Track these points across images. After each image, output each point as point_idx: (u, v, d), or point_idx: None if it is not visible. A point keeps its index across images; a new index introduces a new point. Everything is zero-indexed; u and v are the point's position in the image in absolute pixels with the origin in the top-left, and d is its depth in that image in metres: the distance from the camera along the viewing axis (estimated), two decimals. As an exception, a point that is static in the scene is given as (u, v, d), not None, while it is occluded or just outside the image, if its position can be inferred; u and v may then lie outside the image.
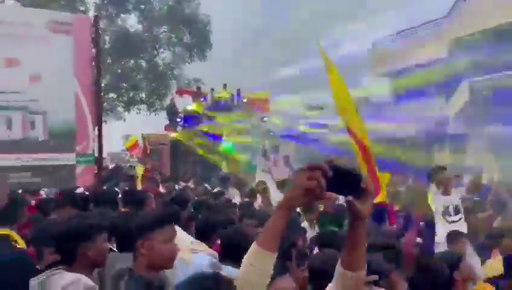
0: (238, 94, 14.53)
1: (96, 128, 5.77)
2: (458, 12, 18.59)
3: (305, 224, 4.41)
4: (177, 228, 2.39)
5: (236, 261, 2.75)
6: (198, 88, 16.27)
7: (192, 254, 3.10)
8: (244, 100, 14.46)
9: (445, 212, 4.75)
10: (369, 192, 1.25)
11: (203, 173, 12.00)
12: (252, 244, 1.28)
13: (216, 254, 3.24)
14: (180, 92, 16.26)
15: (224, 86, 14.86)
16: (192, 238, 3.41)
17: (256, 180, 7.92)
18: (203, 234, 3.39)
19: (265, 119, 14.28)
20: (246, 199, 6.70)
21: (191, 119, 13.70)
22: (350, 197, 1.24)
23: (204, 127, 12.83)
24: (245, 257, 1.29)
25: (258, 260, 1.26)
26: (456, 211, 4.77)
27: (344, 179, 1.21)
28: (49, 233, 2.29)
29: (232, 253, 2.85)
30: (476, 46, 16.87)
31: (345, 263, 1.34)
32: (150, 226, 2.01)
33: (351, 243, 1.33)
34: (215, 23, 19.22)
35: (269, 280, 1.28)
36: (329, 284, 1.43)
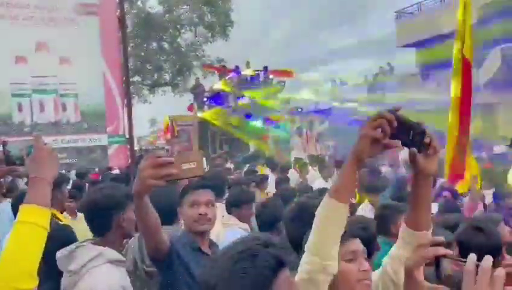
0: (265, 71, 14.35)
1: (126, 109, 5.80)
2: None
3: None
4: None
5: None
6: (223, 66, 16.16)
7: (224, 228, 3.13)
8: (270, 76, 14.30)
9: None
10: (433, 148, 1.22)
11: (231, 152, 12.02)
12: (324, 197, 1.28)
13: (247, 226, 3.27)
14: (208, 67, 16.17)
15: (248, 63, 14.70)
16: (224, 213, 3.45)
17: (293, 157, 7.93)
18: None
19: (293, 95, 14.16)
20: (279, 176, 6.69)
21: (218, 98, 13.66)
22: (414, 150, 1.21)
23: (233, 104, 12.79)
24: (317, 209, 1.29)
25: (331, 211, 1.26)
26: None
27: (407, 131, 1.19)
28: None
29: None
30: (508, 10, 16.09)
31: (409, 221, 1.34)
32: (180, 194, 2.18)
33: (415, 201, 1.32)
34: (237, 1, 18.96)
35: (343, 231, 1.27)
36: (395, 245, 1.42)
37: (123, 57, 5.82)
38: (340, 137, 12.50)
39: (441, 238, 1.30)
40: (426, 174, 1.26)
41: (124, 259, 2.13)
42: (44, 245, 1.31)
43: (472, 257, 1.17)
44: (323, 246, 1.28)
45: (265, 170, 7.67)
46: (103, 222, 2.01)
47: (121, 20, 5.69)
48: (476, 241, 1.90)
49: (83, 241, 2.00)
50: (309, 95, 14.30)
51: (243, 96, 13.10)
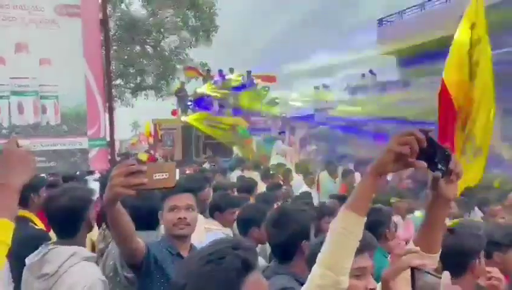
0: (249, 76, 14.40)
1: (107, 112, 5.71)
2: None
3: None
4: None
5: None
6: (208, 70, 16.15)
7: (207, 233, 3.11)
8: (255, 81, 14.36)
9: None
10: (457, 174, 1.20)
11: (215, 156, 11.98)
12: (341, 209, 1.23)
13: (230, 230, 3.27)
14: (189, 70, 16.11)
15: (231, 69, 14.72)
16: (206, 219, 3.45)
17: (271, 163, 7.88)
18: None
19: (277, 100, 14.21)
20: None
21: (202, 101, 13.63)
22: (438, 173, 1.19)
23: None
24: (331, 224, 1.23)
25: (349, 223, 1.20)
26: None
27: (434, 154, 1.16)
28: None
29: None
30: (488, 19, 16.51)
31: (420, 242, 1.31)
32: (161, 198, 2.21)
33: (429, 224, 1.30)
34: (220, 6, 18.98)
35: (358, 244, 1.23)
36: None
37: (105, 60, 5.73)
38: (324, 142, 12.58)
39: (416, 249, 1.31)
40: (445, 199, 1.25)
41: (95, 255, 2.18)
42: (4, 260, 1.21)
43: (447, 273, 1.19)
44: (338, 260, 1.22)
45: (252, 175, 7.64)
46: (74, 225, 2.02)
47: (104, 23, 5.62)
48: (448, 243, 1.93)
49: (50, 244, 1.99)
50: (293, 100, 14.39)
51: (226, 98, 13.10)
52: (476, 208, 4.79)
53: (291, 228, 2.06)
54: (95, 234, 3.04)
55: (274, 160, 9.37)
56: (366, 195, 1.22)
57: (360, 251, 1.40)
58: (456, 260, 1.87)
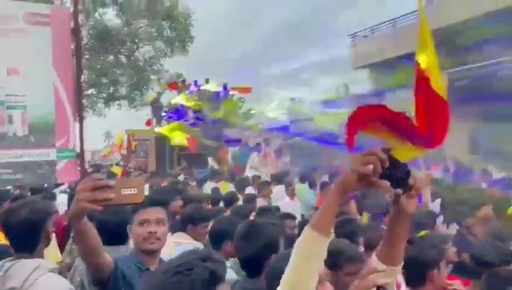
0: (225, 88, 14.40)
1: (78, 123, 5.58)
2: (435, 4, 18.87)
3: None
4: None
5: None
6: (183, 81, 16.07)
7: (176, 247, 3.07)
8: (231, 93, 14.37)
9: None
10: (416, 189, 1.23)
11: (189, 168, 11.87)
12: (305, 229, 1.23)
13: (200, 244, 3.24)
14: (172, 87, 15.97)
15: (207, 80, 14.69)
16: (177, 233, 3.42)
17: (246, 175, 7.85)
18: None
19: (252, 112, 14.23)
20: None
21: (177, 112, 13.51)
22: (400, 191, 1.22)
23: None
24: (297, 243, 1.23)
25: (314, 245, 1.20)
26: None
27: (395, 171, 1.19)
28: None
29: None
30: (454, 36, 17.20)
31: (383, 256, 1.34)
32: (131, 212, 2.17)
33: (392, 238, 1.33)
34: (196, 17, 18.99)
35: (323, 265, 1.22)
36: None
37: (76, 69, 5.62)
38: (298, 154, 12.67)
39: (383, 266, 1.33)
40: (406, 214, 1.27)
41: (57, 266, 2.14)
42: None
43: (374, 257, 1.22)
44: (302, 281, 1.20)
45: (228, 187, 7.58)
46: (33, 238, 1.99)
47: (75, 32, 5.52)
48: (408, 254, 1.97)
49: (11, 259, 1.94)
50: (269, 111, 14.45)
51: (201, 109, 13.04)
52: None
53: (260, 241, 2.05)
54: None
55: (249, 172, 9.36)
56: (330, 214, 1.22)
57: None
58: (415, 271, 1.92)
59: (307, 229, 1.22)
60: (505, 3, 14.32)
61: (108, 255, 1.82)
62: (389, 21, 22.18)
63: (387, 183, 1.18)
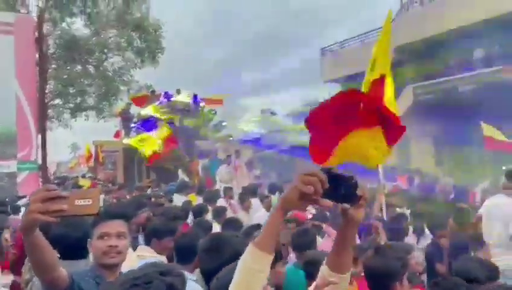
0: (195, 98, 14.34)
1: (40, 134, 5.42)
2: (401, 21, 19.58)
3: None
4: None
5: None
6: (153, 91, 15.88)
7: (140, 261, 3.01)
8: (202, 104, 14.32)
9: None
10: (364, 199, 1.28)
11: (158, 180, 11.68)
12: (248, 246, 1.24)
13: (164, 258, 3.19)
14: (137, 102, 15.75)
15: (178, 91, 14.60)
16: (140, 246, 3.37)
17: (219, 186, 7.81)
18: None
19: (224, 123, 14.23)
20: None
21: (145, 123, 13.31)
22: (347, 205, 1.27)
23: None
24: (241, 260, 1.24)
25: (258, 262, 1.21)
26: None
27: (340, 187, 1.23)
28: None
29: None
30: (420, 52, 17.86)
31: (332, 264, 1.37)
32: (91, 226, 2.11)
33: (340, 246, 1.36)
34: (166, 28, 18.87)
35: (266, 282, 1.24)
36: (313, 284, 1.44)
37: (40, 79, 5.47)
38: (269, 166, 12.71)
39: (337, 277, 1.36)
40: (354, 222, 1.31)
41: (9, 283, 2.04)
42: None
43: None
44: None
45: (197, 199, 7.50)
46: None
47: (39, 41, 5.39)
48: (373, 265, 2.03)
49: None
50: (240, 124, 14.47)
51: (172, 121, 12.89)
52: (427, 231, 5.00)
53: (225, 254, 2.04)
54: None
55: (219, 184, 9.31)
56: (274, 232, 1.24)
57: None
58: (379, 281, 1.96)
59: (250, 247, 1.24)
60: (467, 21, 15.01)
61: (64, 269, 1.75)
62: (358, 36, 22.82)
63: (328, 202, 1.21)
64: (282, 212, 1.24)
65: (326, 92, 23.36)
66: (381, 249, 2.27)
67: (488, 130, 8.90)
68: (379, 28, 22.31)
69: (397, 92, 19.49)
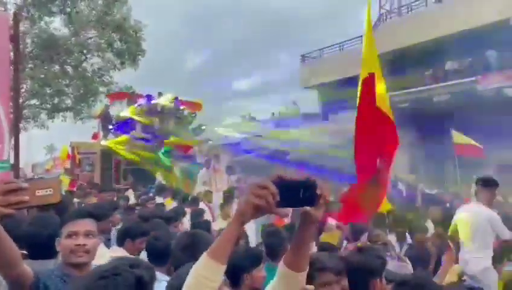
0: (176, 101, 14.26)
1: (13, 133, 5.31)
2: (379, 31, 20.02)
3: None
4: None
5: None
6: (133, 93, 15.73)
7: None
8: (182, 107, 14.25)
9: None
10: (323, 197, 1.29)
11: (136, 183, 11.57)
12: (202, 255, 1.26)
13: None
14: (112, 97, 15.57)
15: (160, 94, 14.52)
16: (113, 247, 3.37)
17: (197, 191, 7.80)
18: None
19: (203, 127, 14.18)
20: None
21: (124, 125, 13.15)
22: (307, 208, 1.28)
23: (137, 133, 12.42)
24: (194, 267, 1.25)
25: (210, 272, 1.22)
26: None
27: (298, 190, 1.24)
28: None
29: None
30: (397, 61, 18.27)
31: (289, 262, 1.38)
32: (60, 224, 2.08)
33: (298, 245, 1.38)
34: (147, 30, 18.76)
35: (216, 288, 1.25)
36: (271, 282, 1.46)
37: (14, 78, 5.37)
38: (248, 171, 12.76)
39: (311, 287, 1.41)
40: (313, 221, 1.32)
41: None
42: None
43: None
44: None
45: (173, 203, 7.47)
46: None
47: (14, 39, 5.29)
48: (355, 261, 2.12)
49: None
50: (219, 128, 14.49)
51: (149, 124, 12.80)
52: (408, 236, 5.10)
53: (199, 252, 2.07)
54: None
55: (199, 188, 9.29)
56: (229, 243, 1.25)
57: None
58: (360, 278, 2.04)
59: (204, 256, 1.25)
60: (442, 32, 15.47)
61: (28, 267, 1.74)
62: (337, 44, 23.17)
63: (284, 211, 1.25)
64: (238, 224, 1.25)
65: (305, 98, 23.65)
66: (363, 248, 2.37)
67: (457, 137, 9.21)
68: (358, 37, 22.72)
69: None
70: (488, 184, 4.39)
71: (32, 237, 2.39)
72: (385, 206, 4.33)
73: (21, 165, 7.49)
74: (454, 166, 10.41)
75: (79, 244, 1.98)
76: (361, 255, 2.20)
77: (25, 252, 2.40)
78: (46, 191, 1.32)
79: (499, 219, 4.22)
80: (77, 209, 2.43)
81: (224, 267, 1.24)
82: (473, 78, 15.33)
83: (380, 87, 3.99)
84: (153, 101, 13.93)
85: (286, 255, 1.40)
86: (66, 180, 8.75)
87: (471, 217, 4.30)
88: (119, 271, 1.04)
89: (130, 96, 14.95)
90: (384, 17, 21.14)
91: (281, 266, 1.39)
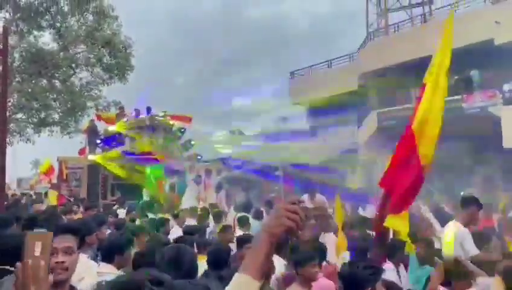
0: (165, 116, 14.26)
1: None
2: (366, 49, 20.41)
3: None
4: (82, 256, 2.32)
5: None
6: (121, 108, 15.66)
7: (99, 277, 2.98)
8: (171, 122, 14.23)
9: None
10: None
11: (123, 198, 11.45)
12: (237, 273, 1.27)
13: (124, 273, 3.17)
14: (99, 118, 15.50)
15: (148, 108, 14.51)
16: (100, 263, 3.33)
17: (185, 205, 7.78)
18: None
19: (192, 142, 14.17)
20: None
21: (111, 140, 13.08)
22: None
23: (127, 147, 12.35)
24: (233, 286, 1.26)
25: (245, 286, 1.24)
26: None
27: None
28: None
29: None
30: (384, 79, 18.61)
31: (247, 269, 1.37)
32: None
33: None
34: (137, 46, 18.83)
35: None
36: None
37: (1, 92, 5.33)
38: (237, 186, 12.73)
39: None
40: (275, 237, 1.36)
41: None
42: None
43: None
44: None
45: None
46: None
47: (3, 53, 5.26)
48: (346, 273, 2.19)
49: None
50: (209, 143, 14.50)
51: (136, 139, 12.75)
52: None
53: (184, 267, 2.09)
54: None
55: (187, 204, 9.23)
56: (263, 260, 1.27)
57: None
58: (353, 288, 2.14)
59: (238, 274, 1.26)
60: (429, 51, 15.82)
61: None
62: (325, 61, 23.53)
63: (306, 235, 1.34)
64: (269, 244, 1.27)
65: (295, 114, 23.83)
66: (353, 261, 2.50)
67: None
68: (346, 55, 22.99)
69: (362, 117, 19.91)
70: (466, 203, 4.44)
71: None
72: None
73: (6, 180, 7.37)
74: (441, 181, 10.54)
75: (58, 262, 1.91)
76: (352, 267, 2.29)
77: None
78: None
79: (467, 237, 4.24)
80: (57, 225, 2.37)
81: (260, 284, 1.25)
82: (459, 96, 15.66)
83: (426, 102, 3.78)
84: (140, 116, 13.92)
85: (245, 261, 1.39)
86: (53, 196, 8.61)
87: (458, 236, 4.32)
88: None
89: (118, 114, 14.92)
90: (372, 36, 21.59)
91: (239, 274, 1.38)
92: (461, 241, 4.19)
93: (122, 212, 8.17)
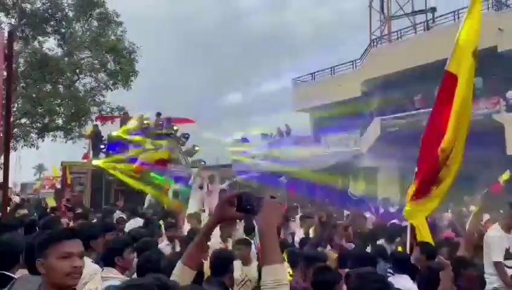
0: (168, 121, 14.31)
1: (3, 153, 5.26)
2: (369, 56, 20.45)
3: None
4: (86, 259, 2.33)
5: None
6: (126, 113, 15.72)
7: (103, 282, 2.98)
8: (175, 128, 14.27)
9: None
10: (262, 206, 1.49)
11: (127, 203, 11.46)
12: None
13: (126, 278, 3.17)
14: (102, 119, 15.57)
15: (158, 114, 14.58)
16: (104, 268, 3.33)
17: (188, 213, 7.75)
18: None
19: (196, 148, 14.18)
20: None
21: (115, 145, 13.10)
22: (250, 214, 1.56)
23: (131, 152, 12.37)
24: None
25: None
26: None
27: (247, 203, 1.55)
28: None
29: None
30: (387, 86, 18.62)
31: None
32: (43, 244, 1.91)
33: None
34: (141, 51, 18.90)
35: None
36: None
37: (6, 97, 5.34)
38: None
39: None
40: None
41: None
42: None
43: None
44: None
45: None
46: None
47: (8, 58, 5.28)
48: (356, 285, 2.29)
49: None
50: (212, 149, 14.53)
51: (141, 144, 12.77)
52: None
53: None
54: None
55: (190, 209, 9.22)
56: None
57: None
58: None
59: (178, 264, 1.49)
60: (431, 58, 15.85)
61: None
62: (328, 68, 23.56)
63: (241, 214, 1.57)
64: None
65: (297, 121, 23.84)
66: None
67: None
68: (349, 62, 23.01)
69: (365, 124, 19.87)
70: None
71: None
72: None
73: (10, 184, 7.39)
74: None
75: (76, 266, 1.89)
76: (359, 280, 2.32)
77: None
78: None
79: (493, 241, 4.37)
80: (66, 229, 2.35)
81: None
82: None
83: (459, 99, 3.91)
84: (145, 121, 13.96)
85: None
86: (52, 203, 8.61)
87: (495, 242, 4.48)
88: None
89: (122, 118, 14.97)
90: (375, 43, 21.63)
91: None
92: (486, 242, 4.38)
93: (131, 224, 7.49)
